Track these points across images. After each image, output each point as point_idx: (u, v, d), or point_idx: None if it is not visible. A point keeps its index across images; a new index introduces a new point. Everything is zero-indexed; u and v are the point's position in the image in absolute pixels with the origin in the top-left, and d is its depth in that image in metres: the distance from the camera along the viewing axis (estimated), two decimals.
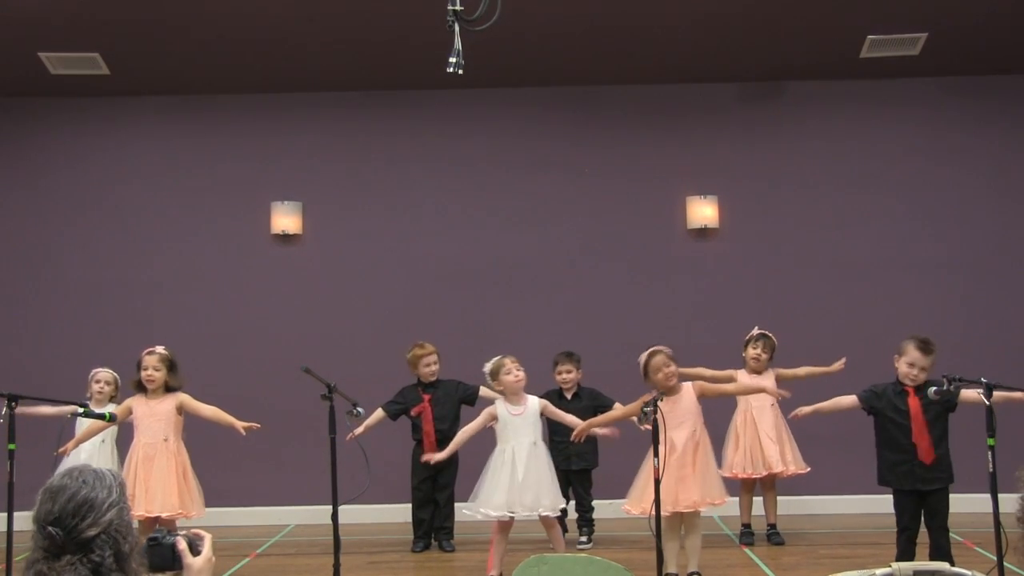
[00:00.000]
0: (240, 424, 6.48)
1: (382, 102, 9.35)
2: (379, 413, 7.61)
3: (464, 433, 6.80)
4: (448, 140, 9.35)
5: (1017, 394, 5.61)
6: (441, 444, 7.23)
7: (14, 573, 5.37)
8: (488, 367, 6.65)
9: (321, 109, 9.36)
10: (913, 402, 5.88)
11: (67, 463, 7.16)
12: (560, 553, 6.30)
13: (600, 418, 6.76)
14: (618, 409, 6.81)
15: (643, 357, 6.30)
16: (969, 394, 5.44)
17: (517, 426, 6.52)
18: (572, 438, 6.58)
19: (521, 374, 6.59)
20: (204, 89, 9.27)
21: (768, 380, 7.54)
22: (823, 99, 9.26)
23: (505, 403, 6.61)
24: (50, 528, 2.25)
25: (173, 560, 2.42)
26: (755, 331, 7.68)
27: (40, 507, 2.31)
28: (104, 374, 7.59)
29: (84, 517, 2.27)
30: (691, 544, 6.28)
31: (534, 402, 6.63)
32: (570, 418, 6.75)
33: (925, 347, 5.92)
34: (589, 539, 7.72)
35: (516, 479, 6.40)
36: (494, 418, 6.62)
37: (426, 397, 7.71)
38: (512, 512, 6.43)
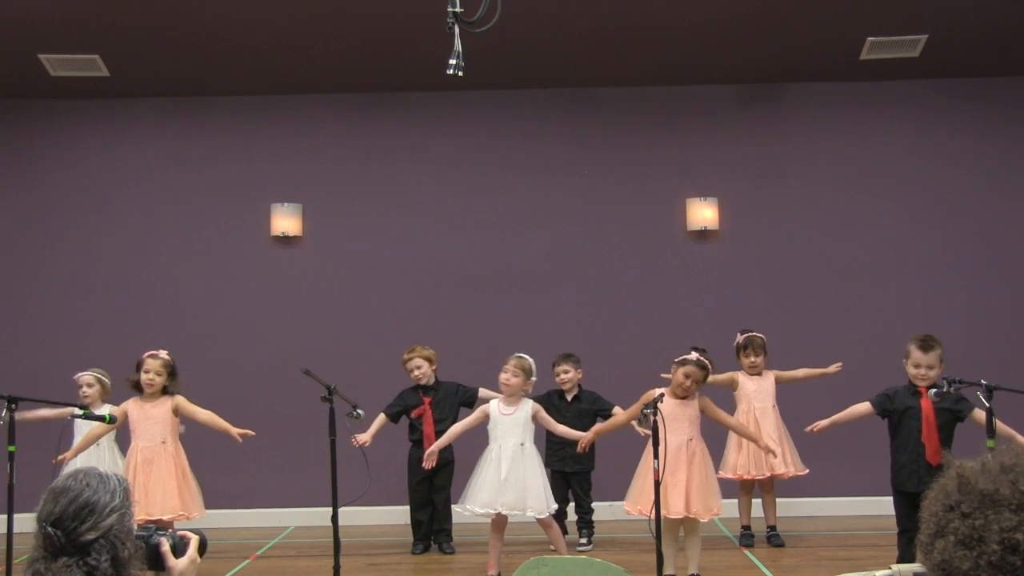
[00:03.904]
0: (235, 431, 6.49)
1: (382, 104, 9.34)
2: (381, 418, 7.61)
3: (455, 428, 6.83)
4: (448, 142, 9.35)
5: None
6: None
7: (14, 574, 5.36)
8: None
9: (321, 111, 9.35)
10: (926, 403, 5.94)
11: (68, 470, 7.15)
12: (560, 555, 6.31)
13: (604, 425, 6.76)
14: (620, 414, 6.80)
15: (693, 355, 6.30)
16: (980, 415, 5.56)
17: (506, 426, 6.57)
18: (578, 449, 6.63)
19: (505, 376, 6.61)
20: (204, 91, 9.26)
21: (768, 381, 7.58)
22: (823, 101, 9.25)
23: (499, 402, 6.66)
24: (49, 529, 2.24)
25: (156, 561, 2.42)
26: (740, 337, 7.62)
27: (43, 507, 2.30)
28: (86, 377, 7.47)
29: (84, 520, 2.26)
30: (691, 547, 6.29)
31: (527, 405, 6.65)
32: (561, 428, 6.76)
33: (925, 345, 6.03)
34: (589, 541, 7.71)
35: (499, 477, 6.45)
36: (486, 416, 6.65)
37: (426, 400, 7.72)
38: (495, 510, 6.46)
